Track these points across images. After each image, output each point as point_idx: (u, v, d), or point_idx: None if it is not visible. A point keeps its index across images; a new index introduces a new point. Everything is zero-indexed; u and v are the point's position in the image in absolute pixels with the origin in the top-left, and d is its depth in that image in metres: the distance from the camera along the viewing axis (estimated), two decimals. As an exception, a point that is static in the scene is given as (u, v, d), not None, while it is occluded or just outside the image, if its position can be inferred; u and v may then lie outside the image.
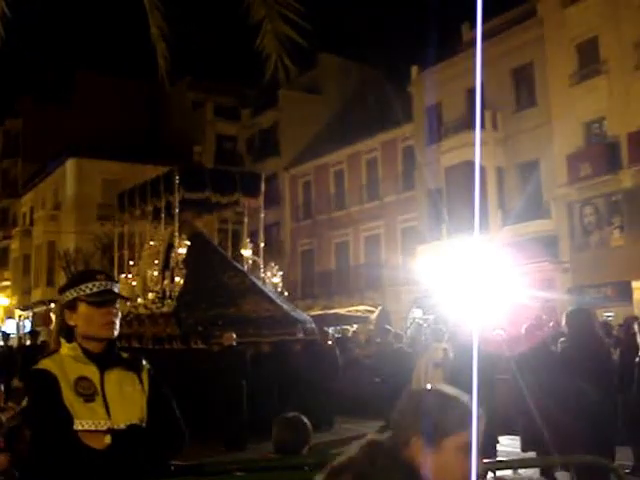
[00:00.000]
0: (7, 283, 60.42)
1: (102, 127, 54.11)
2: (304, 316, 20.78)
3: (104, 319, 3.64)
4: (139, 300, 21.10)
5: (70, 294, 3.69)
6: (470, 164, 29.74)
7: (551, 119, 31.38)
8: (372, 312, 35.34)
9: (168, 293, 19.70)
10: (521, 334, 11.83)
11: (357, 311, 35.72)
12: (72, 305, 3.68)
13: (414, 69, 39.09)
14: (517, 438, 11.86)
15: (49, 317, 50.45)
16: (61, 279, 46.06)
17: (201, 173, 21.97)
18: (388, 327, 24.25)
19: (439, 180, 34.98)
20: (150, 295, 20.55)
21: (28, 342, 31.09)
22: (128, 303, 20.58)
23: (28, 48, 60.95)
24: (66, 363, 3.59)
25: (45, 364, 3.58)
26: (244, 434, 15.17)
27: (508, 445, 12.39)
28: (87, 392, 3.53)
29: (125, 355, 3.78)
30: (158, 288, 20.29)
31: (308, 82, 49.05)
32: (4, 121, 63.34)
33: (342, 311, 35.82)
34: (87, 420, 3.47)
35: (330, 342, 19.57)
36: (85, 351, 3.64)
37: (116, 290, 3.76)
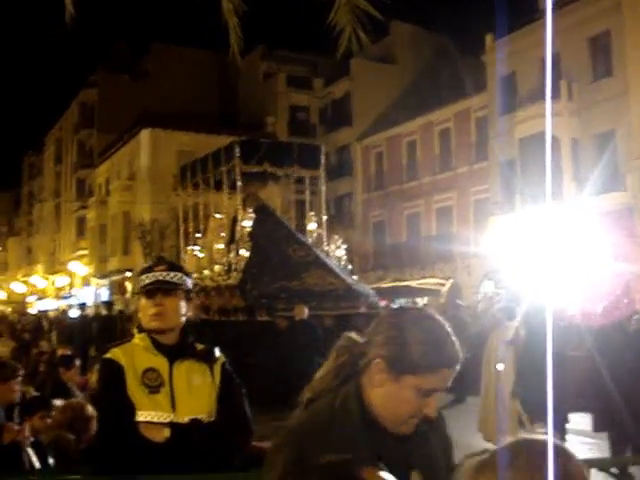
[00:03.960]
0: (84, 252, 61.44)
1: (176, 98, 54.52)
2: (367, 289, 20.51)
3: (151, 310, 3.61)
4: (205, 272, 21.17)
5: (136, 286, 3.77)
6: (545, 135, 29.09)
7: (628, 89, 30.47)
8: (443, 285, 35.03)
9: (234, 265, 19.69)
10: (597, 310, 11.56)
11: (428, 284, 35.44)
12: (139, 297, 3.76)
13: (488, 38, 38.30)
14: (589, 416, 11.33)
15: (124, 286, 51.48)
16: (137, 249, 46.76)
17: (259, 145, 21.76)
18: (459, 302, 24.00)
19: (513, 151, 34.38)
20: (216, 267, 20.59)
21: (104, 312, 31.76)
22: (195, 275, 20.78)
23: (103, 20, 61.64)
24: (136, 353, 3.59)
25: (114, 353, 3.59)
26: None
27: (579, 423, 11.98)
28: (153, 384, 3.52)
29: (200, 346, 3.74)
30: (224, 260, 20.31)
31: (381, 51, 48.55)
32: (80, 92, 64.27)
33: (413, 284, 35.65)
34: (149, 412, 3.47)
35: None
36: (155, 342, 3.63)
37: (175, 279, 3.68)
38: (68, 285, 65.86)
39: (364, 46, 5.07)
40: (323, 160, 21.79)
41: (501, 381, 11.69)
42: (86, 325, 25.42)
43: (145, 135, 51.37)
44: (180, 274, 3.74)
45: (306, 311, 16.35)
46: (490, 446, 10.09)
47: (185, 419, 3.51)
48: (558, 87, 32.06)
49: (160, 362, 3.58)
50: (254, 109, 54.58)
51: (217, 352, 3.77)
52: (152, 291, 3.61)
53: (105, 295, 55.24)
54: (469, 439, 11.79)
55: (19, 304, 68.86)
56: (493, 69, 37.18)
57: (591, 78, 32.89)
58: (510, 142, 34.41)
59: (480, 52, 38.99)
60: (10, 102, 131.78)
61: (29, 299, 71.90)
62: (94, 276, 59.03)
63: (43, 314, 47.15)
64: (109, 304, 30.84)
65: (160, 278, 3.63)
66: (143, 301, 3.66)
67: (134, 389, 3.48)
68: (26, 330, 32.12)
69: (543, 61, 33.03)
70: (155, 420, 3.46)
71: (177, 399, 3.52)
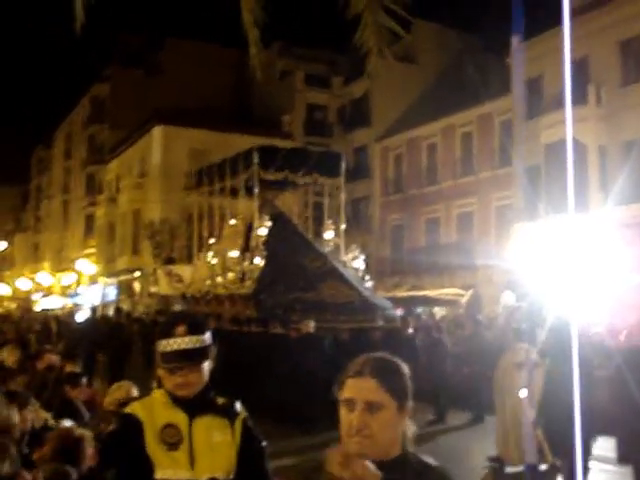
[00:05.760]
0: (92, 250, 60.81)
1: (190, 95, 53.88)
2: (384, 302, 20.68)
3: (177, 381, 3.47)
4: (218, 279, 21.13)
5: (156, 345, 3.54)
6: (572, 141, 28.03)
7: (659, 96, 29.58)
8: (462, 295, 34.15)
9: (248, 274, 19.73)
10: (623, 327, 11.75)
11: (447, 294, 34.58)
12: (158, 361, 3.55)
13: (515, 39, 37.11)
14: (612, 440, 10.86)
15: (132, 288, 50.96)
16: (146, 248, 46.06)
17: (278, 152, 21.68)
18: (479, 318, 23.42)
19: (538, 157, 33.37)
20: (230, 275, 20.90)
21: (111, 312, 31.28)
22: (208, 282, 20.65)
23: (116, 14, 60.95)
24: (156, 408, 3.51)
25: (134, 408, 3.53)
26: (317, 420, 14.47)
27: (602, 448, 11.25)
28: (172, 440, 3.43)
29: (221, 400, 3.63)
30: (238, 269, 20.29)
31: (402, 50, 47.36)
32: (92, 87, 63.64)
33: (431, 294, 34.75)
34: (167, 470, 3.38)
35: (411, 330, 19.29)
36: (174, 398, 3.51)
37: (198, 345, 3.48)
38: (75, 283, 65.30)
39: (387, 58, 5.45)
40: (344, 167, 21.47)
41: (523, 408, 10.98)
42: (94, 331, 24.95)
43: (158, 132, 50.61)
44: (202, 336, 3.53)
45: (312, 325, 16.26)
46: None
47: (203, 478, 3.41)
48: (586, 91, 31.44)
49: (179, 417, 3.49)
50: (270, 107, 53.97)
51: (238, 407, 3.67)
52: (174, 367, 3.46)
53: (112, 294, 54.69)
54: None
55: (24, 300, 68.46)
56: (518, 71, 36.13)
57: (621, 82, 32.06)
58: (535, 148, 33.37)
59: (505, 53, 37.95)
60: (19, 95, 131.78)
61: (34, 296, 71.36)
62: (102, 275, 58.30)
63: (49, 315, 46.11)
64: (119, 311, 30.31)
65: (183, 347, 3.44)
66: (163, 370, 3.50)
67: (153, 446, 3.39)
68: (31, 331, 31.34)
69: (571, 64, 32.12)
70: (173, 478, 3.38)
71: (196, 456, 3.43)
